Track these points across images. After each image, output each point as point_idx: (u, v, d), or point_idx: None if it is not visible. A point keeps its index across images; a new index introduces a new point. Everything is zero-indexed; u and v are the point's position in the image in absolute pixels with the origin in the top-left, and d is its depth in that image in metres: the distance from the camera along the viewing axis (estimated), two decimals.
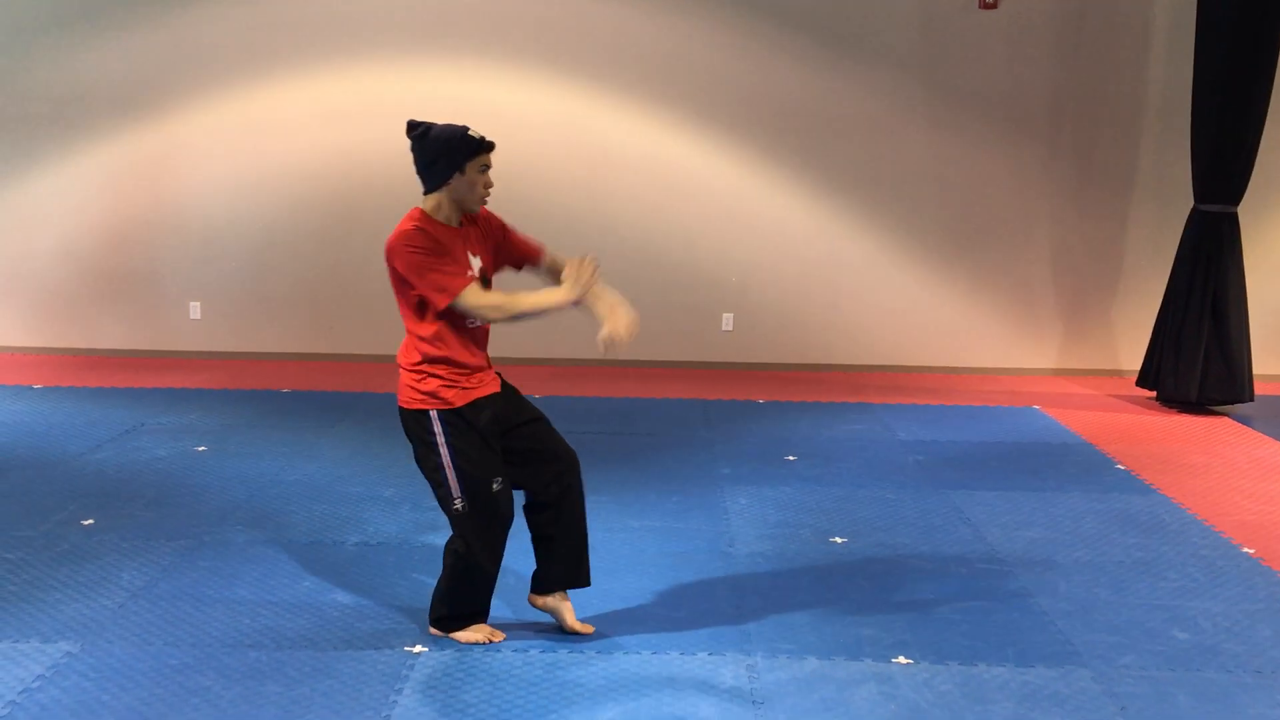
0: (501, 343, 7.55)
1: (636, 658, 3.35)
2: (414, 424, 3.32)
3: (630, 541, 4.32)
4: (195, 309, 7.49)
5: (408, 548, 4.20)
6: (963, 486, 5.06)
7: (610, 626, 3.55)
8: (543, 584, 3.49)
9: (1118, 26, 7.21)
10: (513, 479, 3.40)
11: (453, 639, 3.43)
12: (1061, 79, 7.28)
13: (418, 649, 3.38)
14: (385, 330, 7.59)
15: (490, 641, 3.41)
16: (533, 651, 3.37)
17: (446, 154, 3.25)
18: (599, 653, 3.37)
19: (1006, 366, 7.60)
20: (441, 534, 4.31)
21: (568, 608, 3.49)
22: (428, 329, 3.28)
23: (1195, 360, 6.54)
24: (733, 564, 4.11)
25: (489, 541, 3.34)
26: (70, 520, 4.42)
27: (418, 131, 3.32)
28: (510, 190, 7.46)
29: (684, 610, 3.70)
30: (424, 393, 3.28)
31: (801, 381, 7.26)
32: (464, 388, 3.30)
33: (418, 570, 3.99)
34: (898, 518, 4.64)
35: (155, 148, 7.40)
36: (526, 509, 3.47)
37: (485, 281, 3.38)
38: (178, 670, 3.22)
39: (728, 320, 7.57)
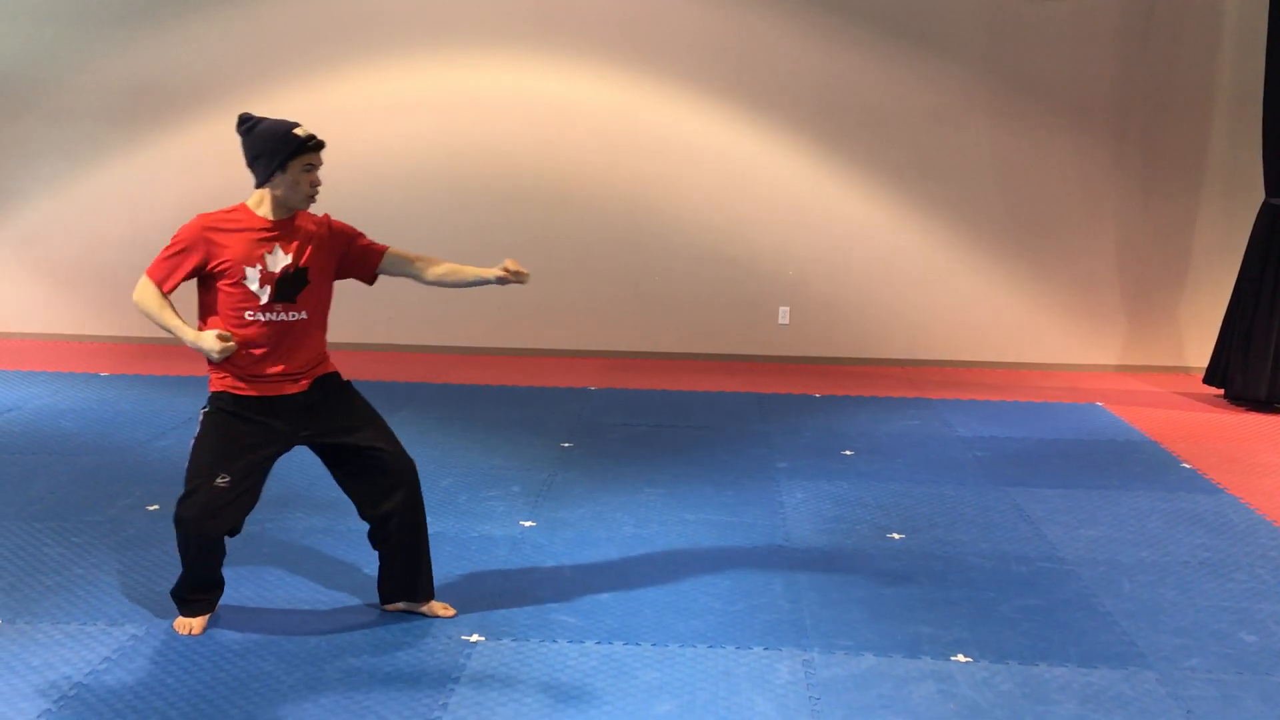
0: (555, 334, 7.59)
1: (692, 651, 3.34)
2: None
3: (686, 535, 4.31)
4: None
5: (464, 538, 4.22)
6: (1023, 484, 4.99)
7: (665, 619, 3.55)
8: (384, 595, 3.55)
9: (1187, 14, 7.06)
10: (346, 491, 3.43)
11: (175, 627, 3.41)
12: (1128, 68, 7.13)
13: (474, 638, 3.40)
14: (442, 321, 7.65)
15: (190, 633, 3.37)
16: (588, 643, 3.38)
17: (269, 151, 3.22)
18: (654, 645, 3.37)
19: (1068, 362, 7.48)
20: (496, 524, 4.34)
21: (433, 605, 3.54)
22: (208, 311, 3.31)
23: (1265, 357, 6.39)
24: (789, 559, 4.08)
25: (197, 524, 3.26)
26: (136, 506, 4.51)
27: (245, 126, 3.30)
28: (565, 182, 7.50)
29: (740, 605, 3.68)
30: (211, 376, 3.34)
31: (858, 376, 7.20)
32: (236, 377, 3.28)
33: (473, 559, 4.01)
34: (956, 514, 4.59)
35: (220, 139, 7.50)
36: (364, 519, 3.47)
37: (298, 278, 3.30)
38: (239, 654, 3.27)
39: (784, 314, 7.53)
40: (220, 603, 3.56)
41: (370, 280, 3.55)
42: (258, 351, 3.28)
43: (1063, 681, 3.21)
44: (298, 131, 3.24)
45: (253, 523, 4.29)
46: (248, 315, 3.27)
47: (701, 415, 6.12)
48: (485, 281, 3.50)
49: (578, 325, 7.64)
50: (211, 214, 3.31)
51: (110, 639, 3.35)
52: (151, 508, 4.48)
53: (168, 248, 3.27)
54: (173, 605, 3.49)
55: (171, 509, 4.39)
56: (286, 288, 3.29)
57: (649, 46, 7.28)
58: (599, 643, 3.38)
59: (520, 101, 7.37)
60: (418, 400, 6.30)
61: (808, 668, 3.26)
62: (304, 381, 3.35)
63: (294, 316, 3.31)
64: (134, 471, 4.94)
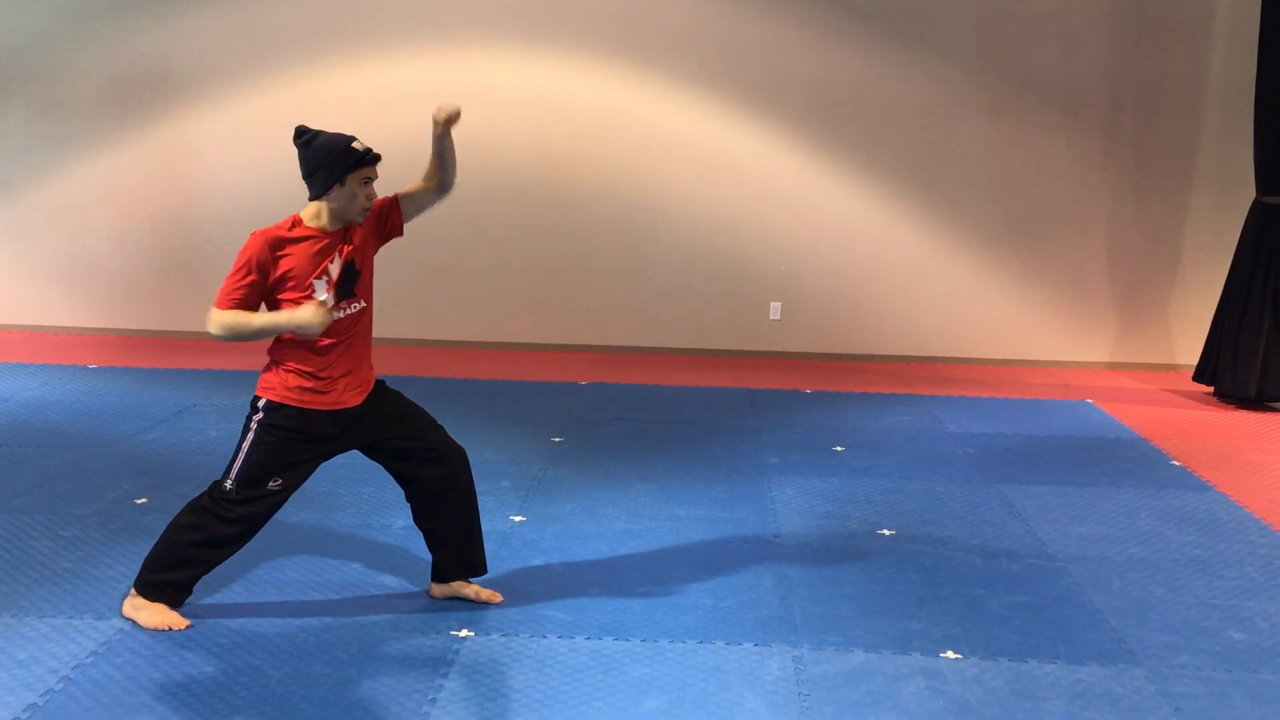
0: (546, 329, 7.58)
1: (682, 647, 3.34)
2: (252, 403, 3.34)
3: (676, 530, 4.31)
4: None
5: None
6: (1014, 480, 4.99)
7: (655, 615, 3.54)
8: (438, 573, 3.59)
9: (1179, 10, 7.06)
10: (397, 472, 3.48)
11: (137, 618, 3.37)
12: (1120, 66, 7.14)
13: (464, 633, 3.39)
14: (432, 314, 7.63)
15: (171, 629, 3.35)
16: (578, 638, 3.37)
17: (328, 165, 3.21)
18: (644, 641, 3.36)
19: (1059, 359, 7.49)
20: (486, 519, 4.32)
21: (467, 587, 3.59)
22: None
23: (1254, 355, 6.40)
24: (779, 554, 4.08)
25: (226, 528, 3.30)
26: (124, 499, 4.48)
27: (304, 139, 3.29)
28: (558, 176, 7.48)
29: (729, 600, 3.68)
30: (268, 382, 3.31)
31: (850, 372, 7.20)
32: (304, 389, 3.27)
33: None
34: (947, 511, 4.59)
35: (213, 131, 7.47)
36: (412, 501, 3.52)
37: (350, 272, 3.31)
38: (228, 649, 3.26)
39: (775, 309, 7.52)
40: (209, 598, 3.55)
41: (401, 233, 3.50)
42: (331, 352, 3.29)
43: (1052, 678, 3.21)
44: (356, 145, 3.24)
45: None
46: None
47: (692, 411, 6.11)
48: (442, 149, 3.44)
49: (569, 319, 7.63)
50: (270, 231, 3.24)
51: (97, 633, 3.33)
52: (139, 501, 4.46)
53: (235, 273, 3.19)
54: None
55: (162, 503, 4.40)
56: (346, 286, 3.31)
57: (641, 41, 7.26)
58: (588, 638, 3.38)
59: (512, 96, 7.35)
60: (407, 394, 6.26)
61: (797, 664, 3.25)
62: (362, 393, 3.37)
63: (356, 308, 3.35)
64: (122, 465, 4.92)
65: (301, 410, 3.28)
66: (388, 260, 7.53)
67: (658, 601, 3.65)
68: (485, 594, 3.60)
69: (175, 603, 3.41)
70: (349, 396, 3.34)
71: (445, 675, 3.14)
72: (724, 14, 7.21)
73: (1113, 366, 7.47)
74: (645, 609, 3.58)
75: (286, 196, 7.81)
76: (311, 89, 7.37)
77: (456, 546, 3.55)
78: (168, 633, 3.34)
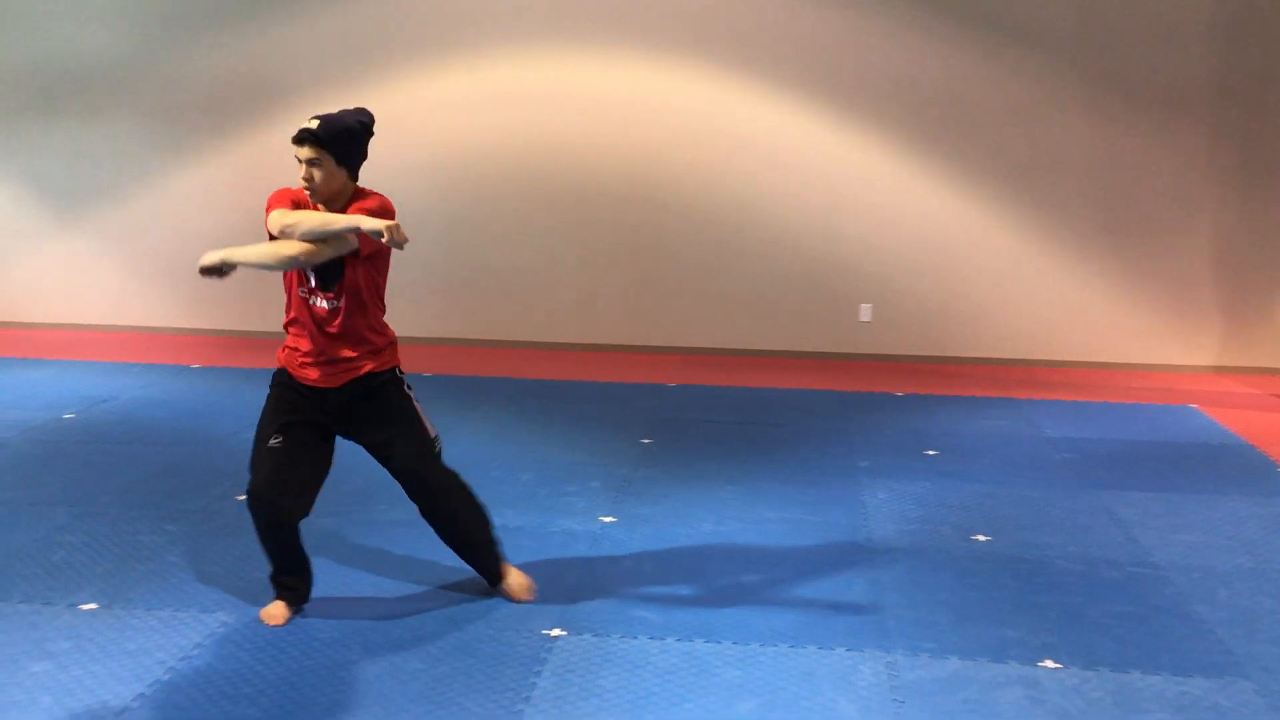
0: (633, 330, 7.59)
1: (773, 650, 3.32)
2: None
3: (766, 533, 4.28)
4: None
5: (544, 532, 4.25)
6: (1114, 487, 4.87)
7: (746, 618, 3.53)
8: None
9: None
10: None
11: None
12: (1226, 61, 6.91)
13: (555, 633, 3.41)
14: (519, 316, 7.70)
15: (275, 623, 3.44)
16: (669, 639, 3.37)
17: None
18: (735, 643, 3.35)
19: (1161, 363, 7.28)
20: (576, 519, 4.35)
21: (509, 585, 3.64)
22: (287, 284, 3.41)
23: None
24: (871, 559, 4.04)
25: (251, 490, 3.38)
26: (225, 495, 4.61)
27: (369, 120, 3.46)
28: (650, 177, 7.49)
29: (821, 604, 3.65)
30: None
31: (941, 375, 7.09)
32: (287, 350, 3.45)
33: (554, 554, 4.03)
34: (1044, 517, 4.49)
35: None
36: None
37: (333, 265, 3.32)
38: (326, 644, 3.33)
39: (866, 311, 7.44)
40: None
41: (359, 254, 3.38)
42: (301, 333, 3.41)
43: (1156, 690, 3.12)
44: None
45: (337, 514, 4.37)
46: (301, 293, 3.39)
47: (781, 413, 6.07)
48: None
49: (657, 321, 7.64)
50: (289, 189, 3.40)
51: (202, 625, 3.43)
52: (240, 497, 4.57)
53: (277, 207, 3.31)
54: (262, 593, 3.56)
55: None
56: (325, 275, 3.34)
57: (729, 42, 7.24)
58: (679, 640, 3.37)
59: (598, 97, 7.39)
60: (497, 395, 6.35)
61: (891, 670, 3.21)
62: (333, 378, 3.40)
63: (324, 303, 3.36)
64: (224, 462, 5.05)
65: (282, 369, 3.46)
66: (477, 263, 7.64)
67: (749, 604, 3.63)
68: (516, 589, 3.63)
69: (283, 598, 3.52)
70: (314, 374, 3.40)
71: (538, 674, 3.16)
72: (813, 12, 7.15)
73: (1218, 370, 7.24)
74: (736, 611, 3.57)
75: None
76: (403, 95, 7.50)
77: (465, 557, 3.66)
78: (270, 627, 3.42)
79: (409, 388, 3.55)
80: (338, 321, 3.37)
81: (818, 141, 7.28)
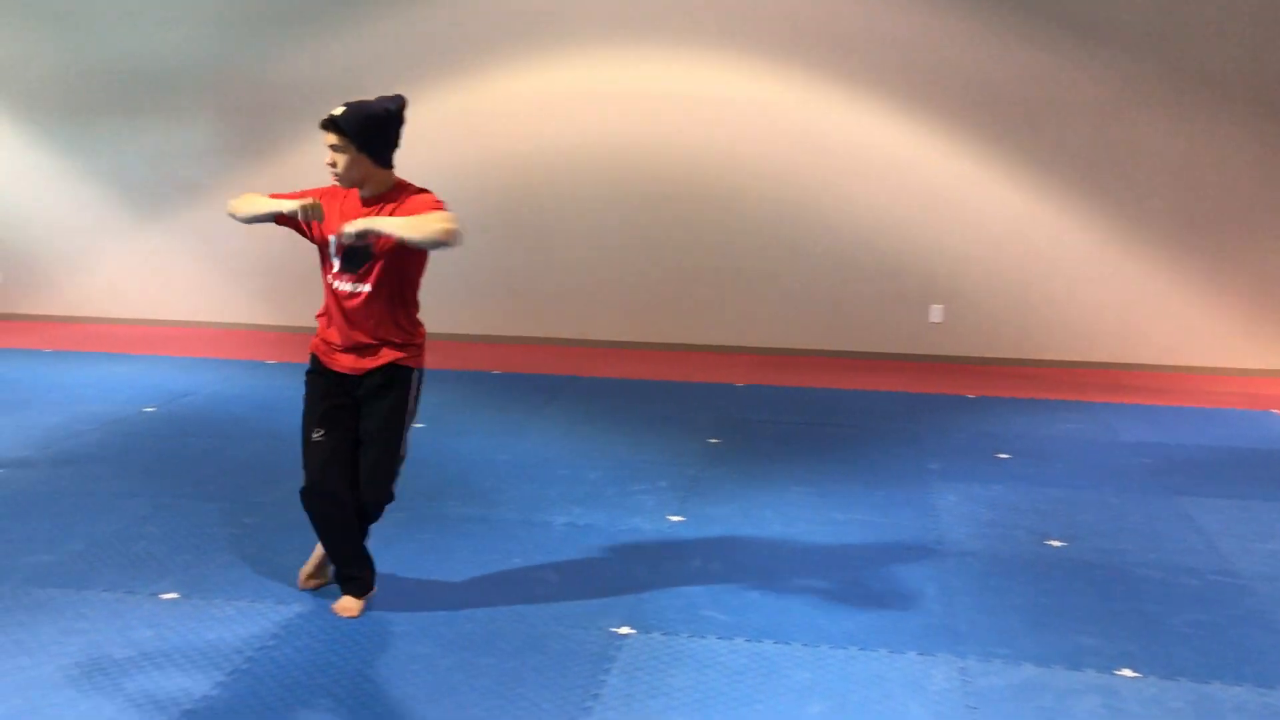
0: (701, 330, 7.58)
1: (843, 653, 3.29)
2: None
3: (836, 534, 4.26)
4: None
5: (613, 530, 4.26)
6: (1193, 493, 4.76)
7: (816, 619, 3.51)
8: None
9: None
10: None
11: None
12: None
13: (624, 630, 3.42)
14: (587, 315, 7.73)
15: (349, 616, 3.47)
16: (738, 640, 3.36)
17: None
18: (805, 645, 3.33)
19: (1242, 367, 7.10)
20: (645, 518, 4.36)
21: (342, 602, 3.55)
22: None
23: None
24: (942, 562, 3.99)
25: (305, 485, 3.48)
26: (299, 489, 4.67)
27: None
28: (720, 177, 7.48)
29: (892, 607, 3.61)
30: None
31: (1014, 377, 6.98)
32: (318, 337, 3.52)
33: (622, 552, 4.04)
34: (1121, 522, 4.41)
35: None
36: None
37: (363, 251, 3.35)
38: (399, 637, 3.37)
39: (936, 312, 7.36)
40: (381, 587, 3.67)
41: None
42: (329, 323, 3.47)
43: (1238, 701, 3.05)
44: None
45: (409, 509, 4.42)
46: (328, 278, 3.46)
47: (849, 414, 6.03)
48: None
49: (725, 321, 7.63)
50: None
51: (278, 616, 3.49)
52: None
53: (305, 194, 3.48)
54: (331, 588, 3.62)
55: None
56: (351, 260, 3.39)
57: (803, 42, 7.20)
58: (749, 640, 3.36)
59: (670, 97, 7.39)
60: (565, 394, 6.38)
61: (964, 675, 3.17)
62: (356, 366, 3.45)
63: (349, 287, 3.40)
64: (298, 456, 5.11)
65: (314, 355, 3.53)
66: (547, 262, 7.68)
67: (818, 606, 3.61)
68: (341, 605, 3.54)
69: (349, 591, 3.56)
70: (339, 360, 3.46)
71: (607, 671, 3.17)
72: (888, 12, 7.09)
73: None
74: (805, 613, 3.55)
75: (449, 198, 8.06)
76: (471, 97, 7.57)
77: (335, 556, 3.56)
78: (344, 619, 3.47)
79: (418, 393, 3.55)
80: (360, 303, 3.39)
81: (890, 142, 7.21)
